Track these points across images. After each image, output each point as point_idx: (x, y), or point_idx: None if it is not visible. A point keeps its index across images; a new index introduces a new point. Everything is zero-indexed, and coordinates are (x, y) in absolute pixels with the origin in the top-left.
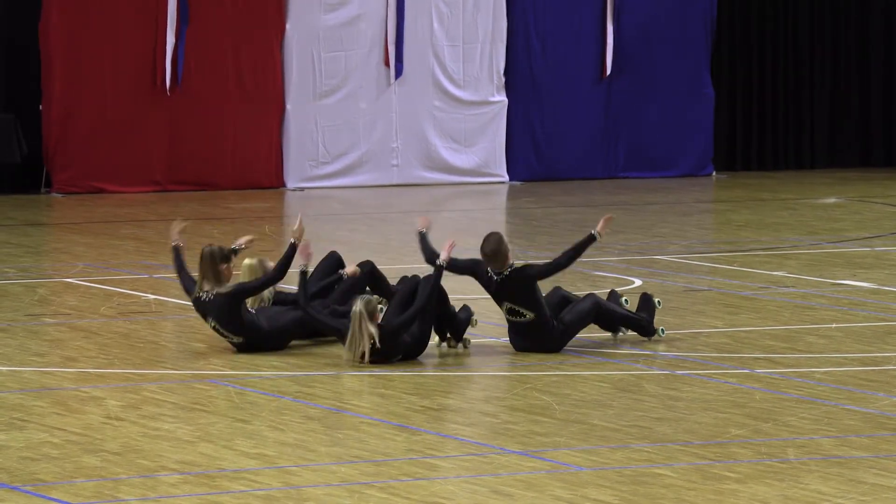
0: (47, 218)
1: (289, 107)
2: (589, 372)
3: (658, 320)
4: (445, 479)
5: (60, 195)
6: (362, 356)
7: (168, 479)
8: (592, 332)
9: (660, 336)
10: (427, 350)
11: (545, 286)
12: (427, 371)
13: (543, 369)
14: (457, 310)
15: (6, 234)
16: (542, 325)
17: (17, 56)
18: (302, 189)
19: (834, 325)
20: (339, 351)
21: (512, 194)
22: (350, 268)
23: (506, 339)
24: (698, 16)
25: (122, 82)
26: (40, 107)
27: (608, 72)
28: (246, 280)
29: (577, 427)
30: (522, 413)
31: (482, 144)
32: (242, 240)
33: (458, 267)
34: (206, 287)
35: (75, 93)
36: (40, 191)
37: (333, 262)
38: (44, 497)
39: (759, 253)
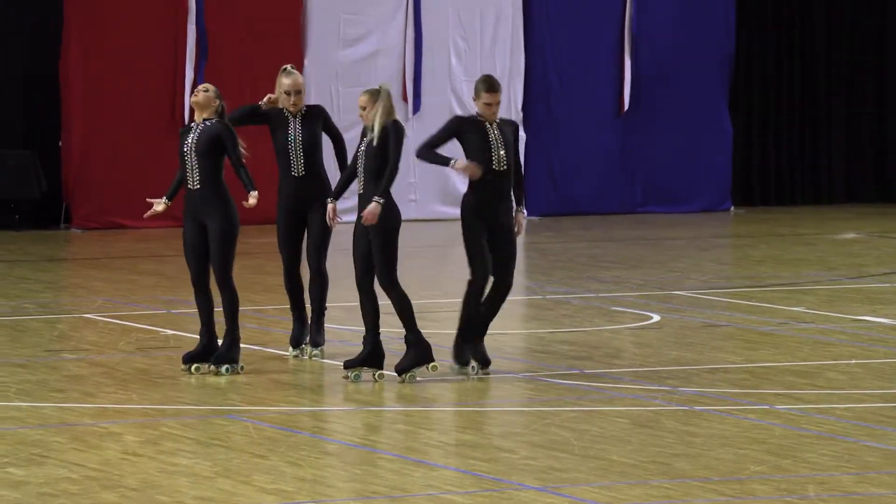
0: (66, 253)
1: None
2: (607, 407)
3: (678, 356)
4: None
5: (79, 230)
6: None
7: None
8: (611, 368)
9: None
10: (444, 385)
11: None
12: (445, 406)
13: (562, 405)
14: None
15: (26, 270)
16: None
17: (36, 92)
18: None
19: (854, 361)
20: (355, 387)
21: (530, 229)
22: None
23: (525, 374)
24: (716, 51)
25: (141, 117)
26: (60, 143)
27: (626, 107)
28: None
29: (595, 463)
30: (541, 449)
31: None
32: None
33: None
34: None
35: (94, 128)
36: (60, 226)
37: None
38: None
39: (778, 288)
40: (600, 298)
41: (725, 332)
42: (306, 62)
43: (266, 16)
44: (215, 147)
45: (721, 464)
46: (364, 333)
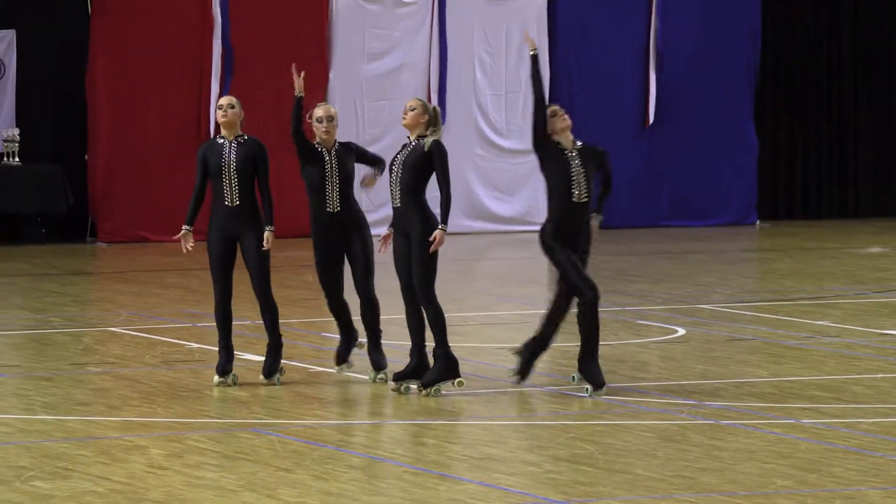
0: (92, 267)
1: None
2: (633, 421)
3: (703, 370)
4: None
5: (105, 244)
6: None
7: None
8: (636, 382)
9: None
10: (468, 398)
11: None
12: (470, 420)
13: (587, 418)
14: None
15: (51, 284)
16: None
17: (63, 107)
18: None
19: (880, 375)
20: (379, 401)
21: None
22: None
23: (550, 388)
24: (742, 65)
25: (167, 132)
26: (86, 157)
27: (651, 120)
28: None
29: (620, 477)
30: (566, 462)
31: (525, 193)
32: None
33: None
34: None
35: (120, 143)
36: (86, 240)
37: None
38: None
39: (804, 302)
40: (626, 312)
41: (751, 345)
42: (331, 76)
43: (291, 31)
44: (253, 164)
45: (747, 478)
46: (411, 347)
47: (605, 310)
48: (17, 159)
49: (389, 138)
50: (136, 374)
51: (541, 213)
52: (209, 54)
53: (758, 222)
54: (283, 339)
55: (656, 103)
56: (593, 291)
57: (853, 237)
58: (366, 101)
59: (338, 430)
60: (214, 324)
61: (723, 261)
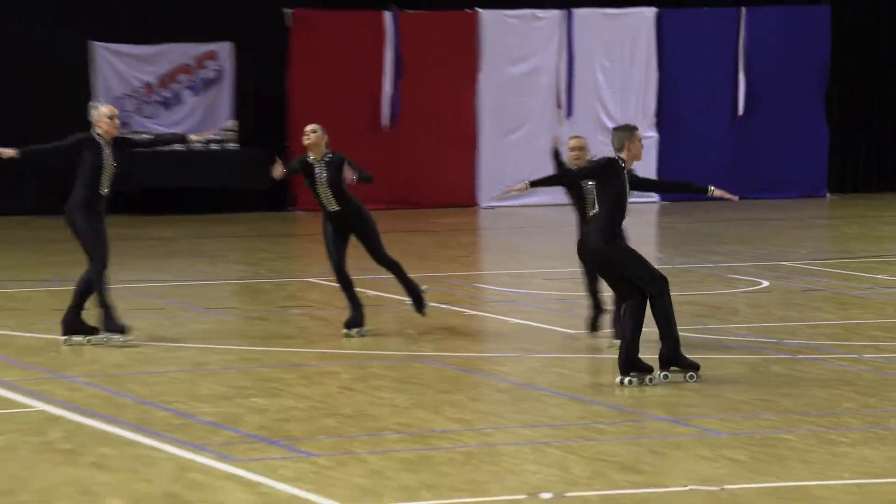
0: (293, 230)
1: (481, 141)
2: (726, 356)
3: (783, 314)
4: (610, 440)
5: (302, 212)
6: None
7: (390, 437)
8: (728, 324)
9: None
10: (596, 340)
11: None
12: (596, 355)
13: (689, 353)
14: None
15: (261, 243)
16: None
17: (269, 104)
18: (492, 207)
19: None
20: (521, 337)
21: (661, 212)
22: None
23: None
24: (814, 67)
25: (350, 122)
26: (287, 143)
27: (740, 112)
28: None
29: (716, 400)
30: (672, 388)
31: (637, 171)
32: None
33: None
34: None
35: None
36: (286, 209)
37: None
38: (295, 450)
39: (866, 260)
40: (719, 267)
41: (822, 295)
42: (480, 76)
43: (448, 40)
44: (342, 174)
45: (818, 401)
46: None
47: (702, 266)
48: (235, 145)
49: (527, 127)
50: (330, 315)
51: None
52: (382, 60)
53: (828, 195)
54: (445, 288)
55: (745, 99)
56: (663, 281)
57: None
58: (508, 98)
59: (488, 362)
60: (378, 276)
61: (799, 226)
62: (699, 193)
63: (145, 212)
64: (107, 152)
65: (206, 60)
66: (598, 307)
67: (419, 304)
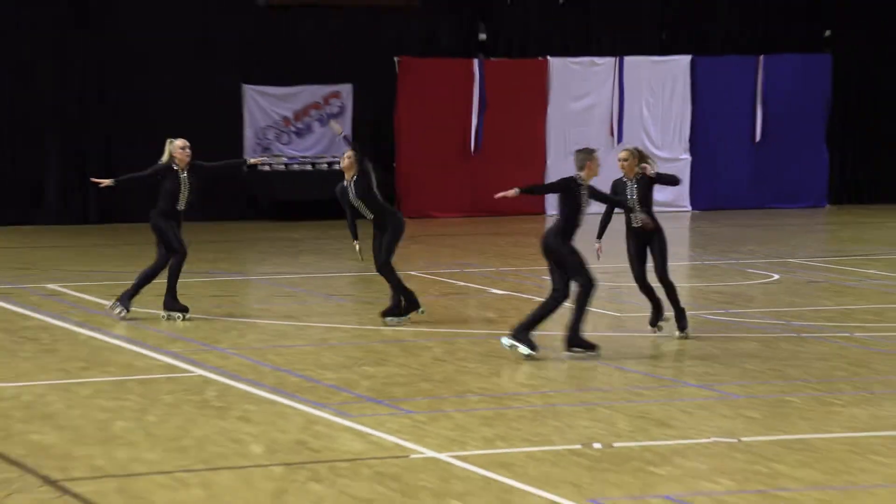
0: None
1: (549, 163)
2: (744, 334)
3: (790, 301)
4: (648, 402)
5: (406, 219)
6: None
7: (473, 398)
8: (746, 309)
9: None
10: (641, 318)
11: None
12: (633, 333)
13: (713, 331)
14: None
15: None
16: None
17: (381, 134)
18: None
19: None
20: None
21: (693, 219)
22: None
23: (690, 313)
24: (818, 104)
25: (444, 148)
26: (394, 164)
27: (758, 138)
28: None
29: (735, 370)
30: (699, 360)
31: (674, 186)
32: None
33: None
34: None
35: (415, 154)
36: None
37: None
38: (397, 408)
39: (858, 257)
40: (739, 263)
41: (822, 286)
42: (549, 109)
43: (524, 83)
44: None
45: (817, 370)
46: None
47: (725, 262)
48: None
49: None
50: (425, 300)
51: (684, 199)
52: (470, 98)
53: (827, 205)
54: (513, 280)
55: (761, 128)
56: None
57: (894, 216)
58: (570, 128)
59: (550, 339)
60: (474, 270)
61: (804, 230)
62: (622, 208)
63: (279, 218)
64: (183, 177)
65: (331, 98)
66: (657, 307)
67: (414, 305)
